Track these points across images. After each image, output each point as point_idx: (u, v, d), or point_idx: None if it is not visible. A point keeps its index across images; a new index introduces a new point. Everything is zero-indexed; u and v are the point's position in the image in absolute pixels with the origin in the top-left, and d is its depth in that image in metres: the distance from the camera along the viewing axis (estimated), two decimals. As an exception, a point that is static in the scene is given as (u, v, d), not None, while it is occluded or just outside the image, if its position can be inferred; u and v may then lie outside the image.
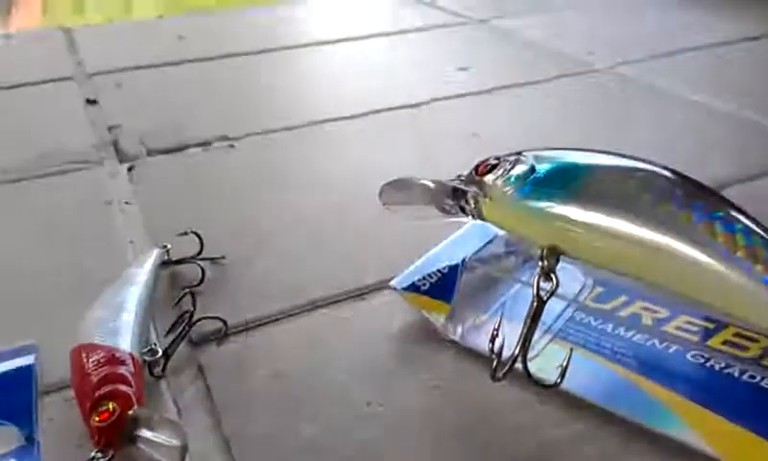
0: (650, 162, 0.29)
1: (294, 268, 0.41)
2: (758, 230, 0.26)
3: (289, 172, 0.53)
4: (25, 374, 0.32)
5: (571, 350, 0.31)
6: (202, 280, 0.39)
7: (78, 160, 0.55)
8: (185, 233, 0.41)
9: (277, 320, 0.37)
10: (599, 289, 0.38)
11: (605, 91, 0.68)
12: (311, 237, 0.44)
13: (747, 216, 0.27)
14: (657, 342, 0.34)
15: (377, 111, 0.63)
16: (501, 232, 0.36)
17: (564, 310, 0.36)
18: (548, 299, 0.30)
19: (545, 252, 0.30)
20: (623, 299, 0.37)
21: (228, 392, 0.32)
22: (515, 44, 0.83)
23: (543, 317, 0.30)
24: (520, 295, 0.36)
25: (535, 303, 0.30)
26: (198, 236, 0.41)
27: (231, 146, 0.57)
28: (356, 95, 0.67)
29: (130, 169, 0.53)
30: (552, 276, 0.30)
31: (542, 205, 0.30)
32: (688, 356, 0.33)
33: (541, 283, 0.30)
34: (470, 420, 0.31)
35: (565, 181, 0.30)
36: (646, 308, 0.36)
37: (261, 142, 0.58)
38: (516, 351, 0.29)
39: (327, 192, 0.50)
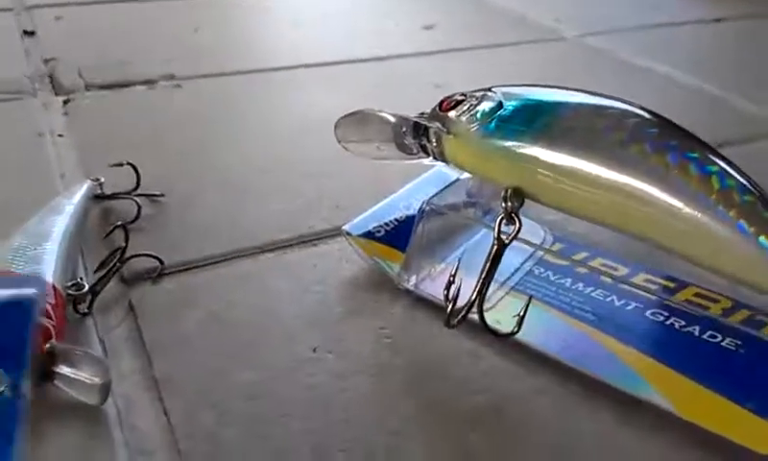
0: (623, 101, 0.28)
1: (239, 211, 0.38)
2: (734, 174, 0.25)
3: (238, 115, 0.50)
4: (26, 307, 0.26)
5: (530, 298, 0.29)
6: (137, 217, 0.36)
7: (9, 90, 0.50)
8: (120, 164, 0.38)
9: (219, 262, 0.34)
10: (559, 245, 0.36)
11: (571, 59, 0.67)
12: (259, 181, 0.41)
13: (723, 159, 0.25)
14: (616, 298, 0.32)
15: (338, 63, 0.60)
16: (463, 176, 0.34)
17: (522, 264, 0.34)
18: (510, 242, 0.28)
19: (509, 192, 0.28)
20: (583, 255, 0.35)
21: (160, 333, 0.30)
22: (482, 8, 0.81)
23: (501, 270, 0.28)
24: (480, 247, 0.34)
25: (495, 246, 0.28)
26: (134, 169, 0.37)
27: (178, 86, 0.53)
28: (317, 46, 0.64)
29: (65, 102, 0.49)
30: (515, 217, 0.28)
31: (508, 143, 0.28)
32: (647, 314, 0.32)
33: (503, 227, 0.28)
34: (422, 369, 0.29)
35: (533, 119, 0.28)
36: (606, 265, 0.35)
37: (210, 84, 0.54)
38: (473, 297, 0.28)
39: (279, 136, 0.47)
